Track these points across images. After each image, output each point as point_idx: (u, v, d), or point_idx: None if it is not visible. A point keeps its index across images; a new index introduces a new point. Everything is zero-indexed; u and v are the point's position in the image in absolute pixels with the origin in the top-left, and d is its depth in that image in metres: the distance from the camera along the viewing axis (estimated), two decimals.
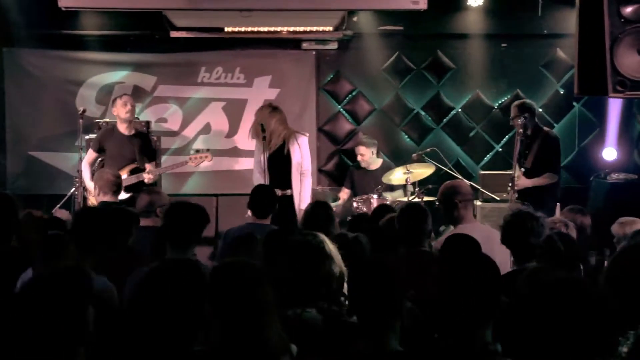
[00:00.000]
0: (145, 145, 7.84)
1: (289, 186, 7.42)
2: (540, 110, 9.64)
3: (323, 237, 3.68)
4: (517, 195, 7.08)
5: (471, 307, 2.62)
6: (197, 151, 8.01)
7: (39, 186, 9.25)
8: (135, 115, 8.98)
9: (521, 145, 7.45)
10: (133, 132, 7.79)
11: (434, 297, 2.77)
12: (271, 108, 7.52)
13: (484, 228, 5.47)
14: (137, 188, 7.36)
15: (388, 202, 7.82)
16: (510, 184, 7.22)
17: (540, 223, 4.41)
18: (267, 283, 3.03)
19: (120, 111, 7.69)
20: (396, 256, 4.67)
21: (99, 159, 7.85)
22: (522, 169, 7.34)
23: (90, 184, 7.45)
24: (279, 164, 7.32)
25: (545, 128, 7.61)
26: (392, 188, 8.56)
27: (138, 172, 7.60)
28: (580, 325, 2.35)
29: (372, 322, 2.90)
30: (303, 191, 7.50)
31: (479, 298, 2.64)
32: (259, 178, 7.26)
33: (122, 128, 7.74)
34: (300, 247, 3.60)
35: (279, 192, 7.25)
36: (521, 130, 7.15)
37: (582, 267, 4.52)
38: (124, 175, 7.55)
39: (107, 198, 6.47)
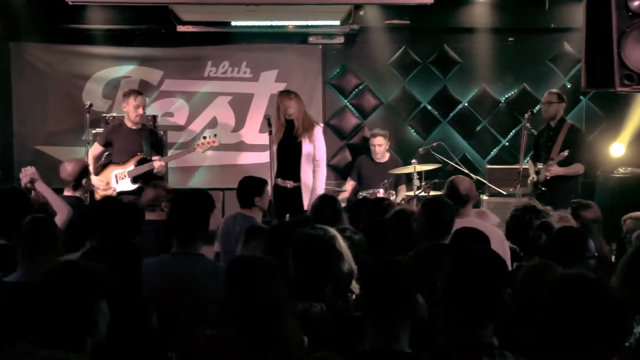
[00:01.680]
0: (151, 138, 7.87)
1: (299, 178, 7.42)
2: None
3: (334, 232, 3.68)
4: (541, 186, 7.14)
5: (475, 302, 2.61)
6: (204, 137, 8.04)
7: (45, 180, 9.20)
8: None
9: (541, 137, 7.51)
10: (140, 126, 7.82)
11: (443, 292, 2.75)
12: (294, 94, 7.54)
13: (479, 224, 5.44)
14: (145, 178, 7.39)
15: (397, 199, 7.91)
16: (516, 178, 7.25)
17: (542, 217, 4.38)
18: (281, 277, 3.04)
19: (130, 112, 7.71)
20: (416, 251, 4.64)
21: (106, 153, 7.87)
22: (543, 162, 7.38)
23: (94, 178, 7.47)
24: (290, 155, 7.29)
25: (569, 120, 7.67)
26: (399, 179, 8.57)
27: (145, 162, 7.61)
28: (590, 324, 2.36)
29: (383, 323, 2.88)
30: (316, 181, 7.46)
31: (484, 293, 2.62)
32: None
33: (130, 123, 7.77)
34: (311, 242, 3.59)
35: (289, 184, 7.24)
36: (541, 121, 7.20)
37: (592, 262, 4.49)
38: (131, 166, 7.58)
39: (69, 192, 6.13)
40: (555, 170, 7.30)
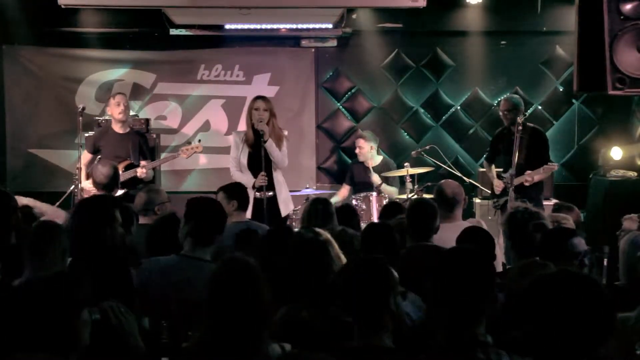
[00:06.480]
0: (139, 143, 7.78)
1: (273, 187, 7.14)
2: (540, 107, 9.68)
3: (327, 236, 3.67)
4: (515, 192, 7.13)
5: (466, 301, 2.62)
6: (189, 143, 8.02)
7: (38, 183, 9.26)
8: (135, 113, 9.01)
9: (504, 142, 7.49)
10: (128, 130, 7.79)
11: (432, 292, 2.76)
12: (266, 99, 7.11)
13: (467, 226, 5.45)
14: (131, 184, 7.37)
15: (387, 198, 7.88)
16: (508, 183, 7.24)
17: (538, 218, 4.45)
18: (265, 282, 3.03)
19: (113, 111, 7.71)
20: (404, 250, 4.68)
21: (98, 157, 7.85)
22: (504, 167, 7.41)
23: (85, 184, 7.45)
24: (263, 166, 7.09)
25: (529, 123, 7.60)
26: (387, 181, 8.51)
27: (132, 168, 7.58)
28: (578, 318, 2.36)
29: (365, 320, 2.91)
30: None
31: (474, 292, 2.64)
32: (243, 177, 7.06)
33: (117, 127, 7.74)
34: (304, 246, 3.59)
35: (262, 195, 6.98)
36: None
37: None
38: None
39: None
40: (538, 177, 7.30)
